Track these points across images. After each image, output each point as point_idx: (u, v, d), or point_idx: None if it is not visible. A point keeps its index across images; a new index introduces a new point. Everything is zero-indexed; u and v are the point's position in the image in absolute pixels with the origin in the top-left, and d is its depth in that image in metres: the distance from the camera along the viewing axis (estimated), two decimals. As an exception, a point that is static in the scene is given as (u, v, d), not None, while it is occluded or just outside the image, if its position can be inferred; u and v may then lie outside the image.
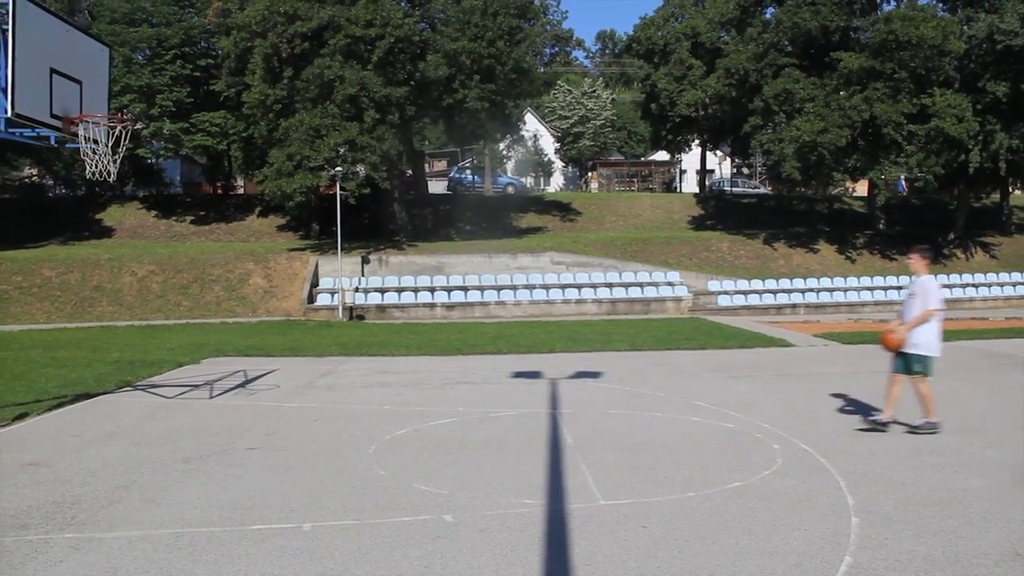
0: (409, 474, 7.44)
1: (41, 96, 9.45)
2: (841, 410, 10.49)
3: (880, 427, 9.00)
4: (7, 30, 8.87)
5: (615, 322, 25.77)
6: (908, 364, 9.01)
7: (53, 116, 9.68)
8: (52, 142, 10.72)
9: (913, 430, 8.95)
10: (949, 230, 38.45)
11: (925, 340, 8.92)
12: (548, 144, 64.53)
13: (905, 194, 50.70)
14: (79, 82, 10.20)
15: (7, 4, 8.87)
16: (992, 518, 6.05)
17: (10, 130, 9.85)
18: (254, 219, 41.24)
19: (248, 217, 41.47)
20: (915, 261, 9.28)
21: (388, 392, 12.36)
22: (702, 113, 40.40)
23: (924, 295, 8.94)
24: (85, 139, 10.06)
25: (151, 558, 5.41)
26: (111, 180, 10.76)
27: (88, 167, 10.29)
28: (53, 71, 9.65)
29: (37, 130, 9.92)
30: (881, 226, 38.96)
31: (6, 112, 9.01)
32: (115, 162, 10.44)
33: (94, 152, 10.18)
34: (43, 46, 9.48)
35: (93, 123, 10.13)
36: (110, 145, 10.34)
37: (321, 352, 17.80)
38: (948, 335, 19.33)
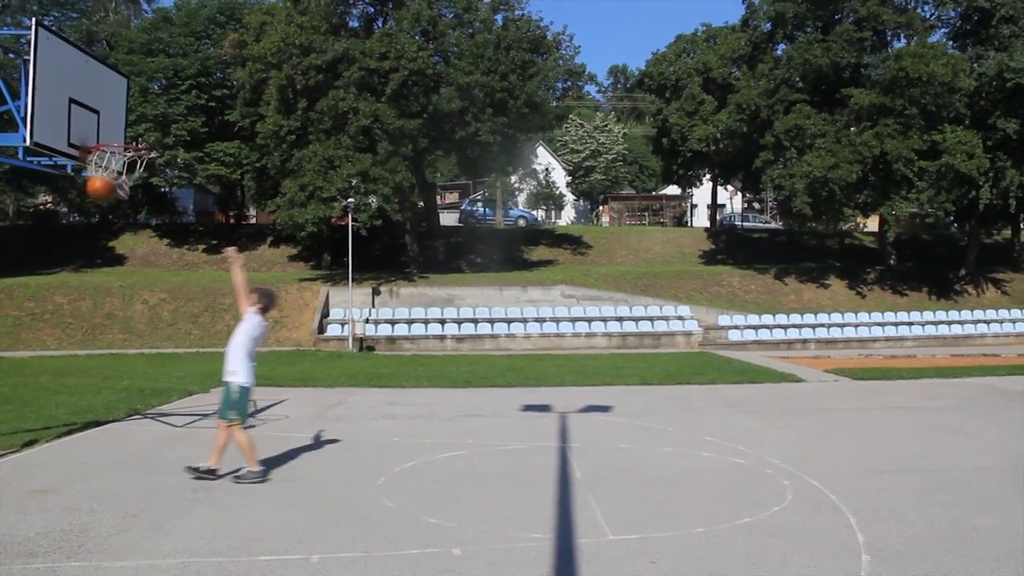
0: (418, 507, 7.41)
1: (59, 126, 9.57)
2: (852, 446, 10.41)
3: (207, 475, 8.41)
4: (28, 60, 9.01)
5: (625, 356, 25.71)
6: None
7: (71, 145, 9.79)
8: (68, 170, 10.83)
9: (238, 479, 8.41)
10: (960, 266, 38.35)
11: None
12: (560, 177, 64.81)
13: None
14: (96, 112, 10.33)
15: (29, 35, 9.01)
16: (1004, 558, 5.98)
17: (28, 158, 9.97)
18: (266, 249, 41.44)
19: (260, 247, 41.66)
20: None
21: (397, 424, 12.34)
22: (713, 148, 40.54)
23: None
24: (102, 168, 10.15)
25: (158, 587, 5.40)
26: (124, 198, 10.82)
27: None
28: (72, 101, 9.78)
29: (54, 159, 10.04)
30: (892, 261, 38.90)
31: (25, 141, 9.12)
32: (128, 182, 10.50)
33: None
34: (63, 77, 9.62)
35: (110, 152, 10.23)
36: (124, 169, 10.41)
37: (331, 383, 17.80)
38: (960, 372, 19.40)
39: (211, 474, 8.40)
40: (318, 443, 10.64)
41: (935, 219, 37.02)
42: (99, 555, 6.04)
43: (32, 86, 8.99)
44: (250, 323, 8.63)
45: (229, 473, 8.48)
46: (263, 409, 13.59)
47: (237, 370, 8.44)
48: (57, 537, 6.45)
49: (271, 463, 9.30)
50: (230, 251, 8.96)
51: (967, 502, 7.55)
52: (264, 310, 8.81)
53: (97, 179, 9.77)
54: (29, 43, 9.06)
